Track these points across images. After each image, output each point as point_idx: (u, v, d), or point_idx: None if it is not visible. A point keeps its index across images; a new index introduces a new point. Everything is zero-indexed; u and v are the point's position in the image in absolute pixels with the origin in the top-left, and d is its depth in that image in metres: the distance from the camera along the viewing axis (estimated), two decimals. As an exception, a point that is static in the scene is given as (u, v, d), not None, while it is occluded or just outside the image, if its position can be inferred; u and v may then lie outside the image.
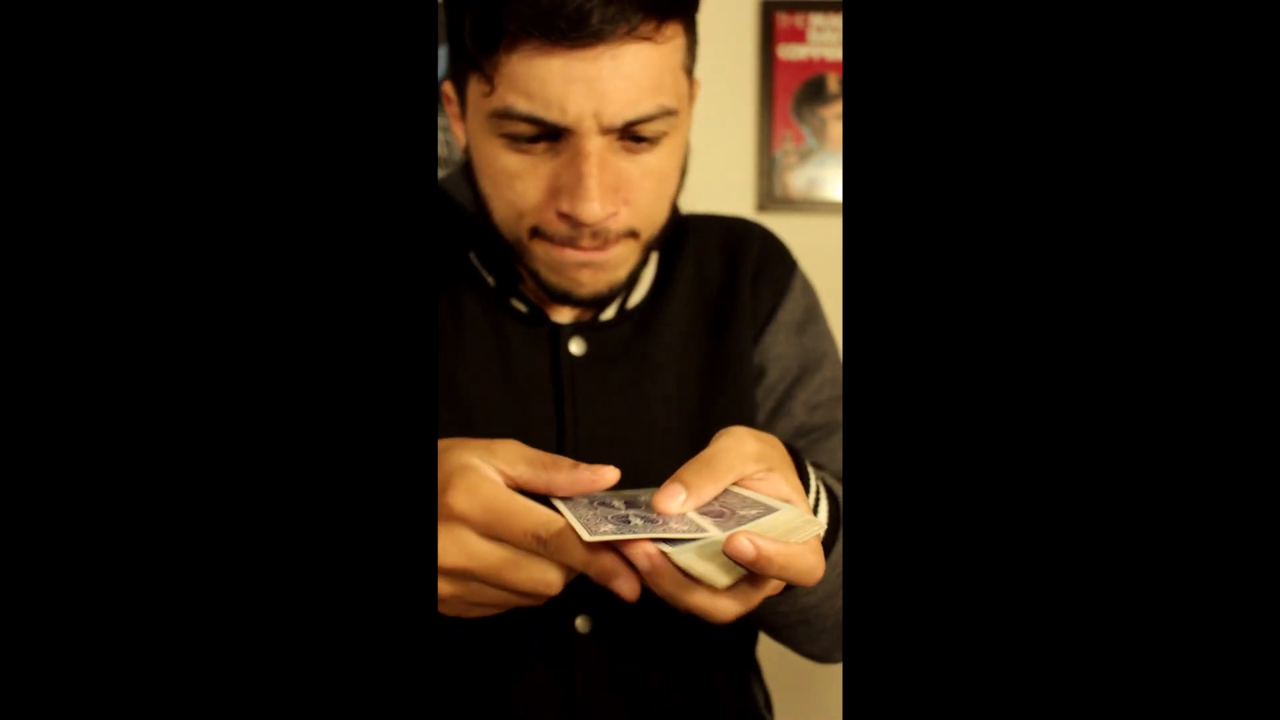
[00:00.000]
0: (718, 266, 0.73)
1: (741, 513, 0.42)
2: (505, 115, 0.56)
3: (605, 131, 0.56)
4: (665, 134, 0.59)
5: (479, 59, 0.56)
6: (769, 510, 0.42)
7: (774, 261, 0.74)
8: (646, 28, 0.55)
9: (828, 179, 1.55)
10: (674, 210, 0.66)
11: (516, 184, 0.58)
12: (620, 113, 0.55)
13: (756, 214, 1.55)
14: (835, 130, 1.58)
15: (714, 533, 0.41)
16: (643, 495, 0.49)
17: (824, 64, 1.55)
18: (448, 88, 0.64)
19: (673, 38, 0.57)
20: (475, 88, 0.58)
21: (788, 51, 1.57)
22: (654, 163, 0.59)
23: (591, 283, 0.61)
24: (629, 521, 0.43)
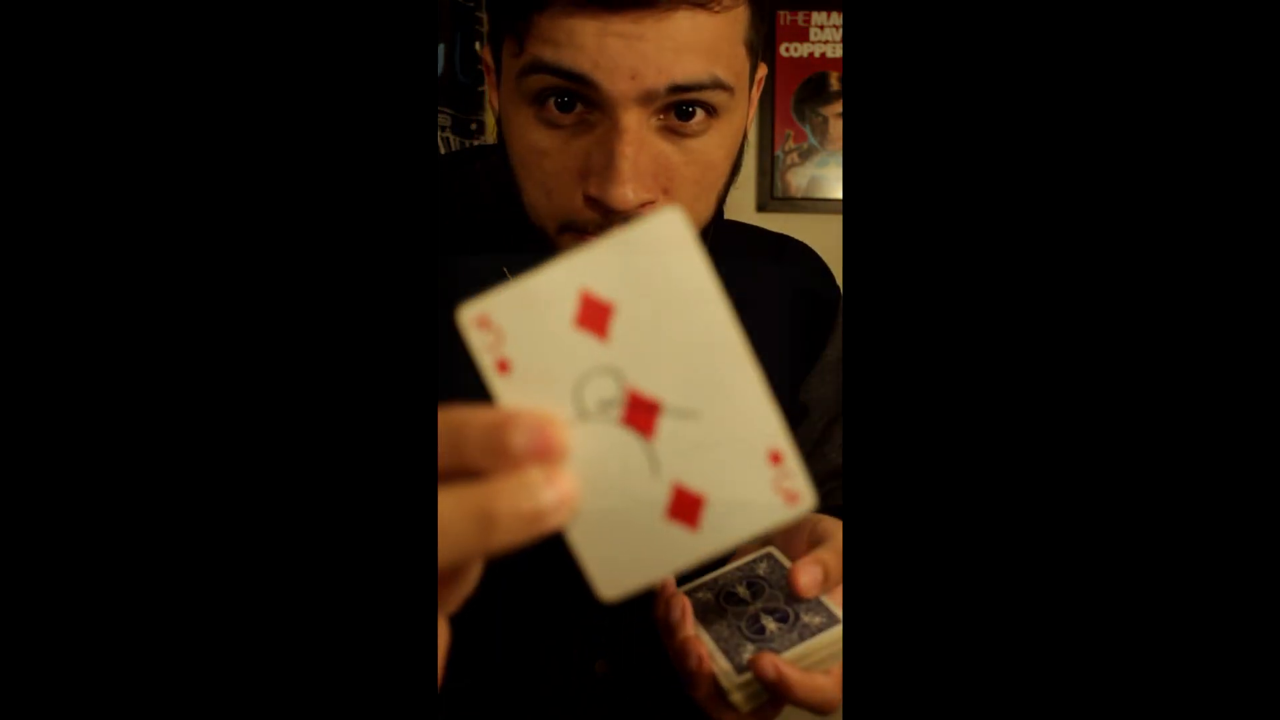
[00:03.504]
0: (766, 290, 0.66)
1: (805, 620, 0.42)
2: (532, 69, 0.49)
3: (645, 100, 0.49)
4: (717, 114, 0.51)
5: (512, 19, 0.51)
6: (832, 620, 0.42)
7: (824, 293, 0.70)
8: None
9: (829, 178, 1.55)
10: (719, 211, 0.59)
11: (545, 162, 0.52)
12: (665, 72, 0.48)
13: (757, 213, 1.55)
14: (837, 129, 1.58)
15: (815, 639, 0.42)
16: (760, 567, 0.47)
17: (825, 62, 1.55)
18: (486, 54, 0.59)
19: (732, 7, 0.50)
20: (508, 50, 0.52)
21: (789, 49, 1.56)
22: (701, 149, 0.52)
23: None
24: (764, 632, 0.43)
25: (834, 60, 1.58)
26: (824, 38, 1.55)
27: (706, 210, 0.55)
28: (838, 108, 1.58)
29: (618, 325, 0.29)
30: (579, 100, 0.50)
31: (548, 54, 0.48)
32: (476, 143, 1.48)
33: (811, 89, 1.58)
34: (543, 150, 0.52)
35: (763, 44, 0.55)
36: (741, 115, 0.55)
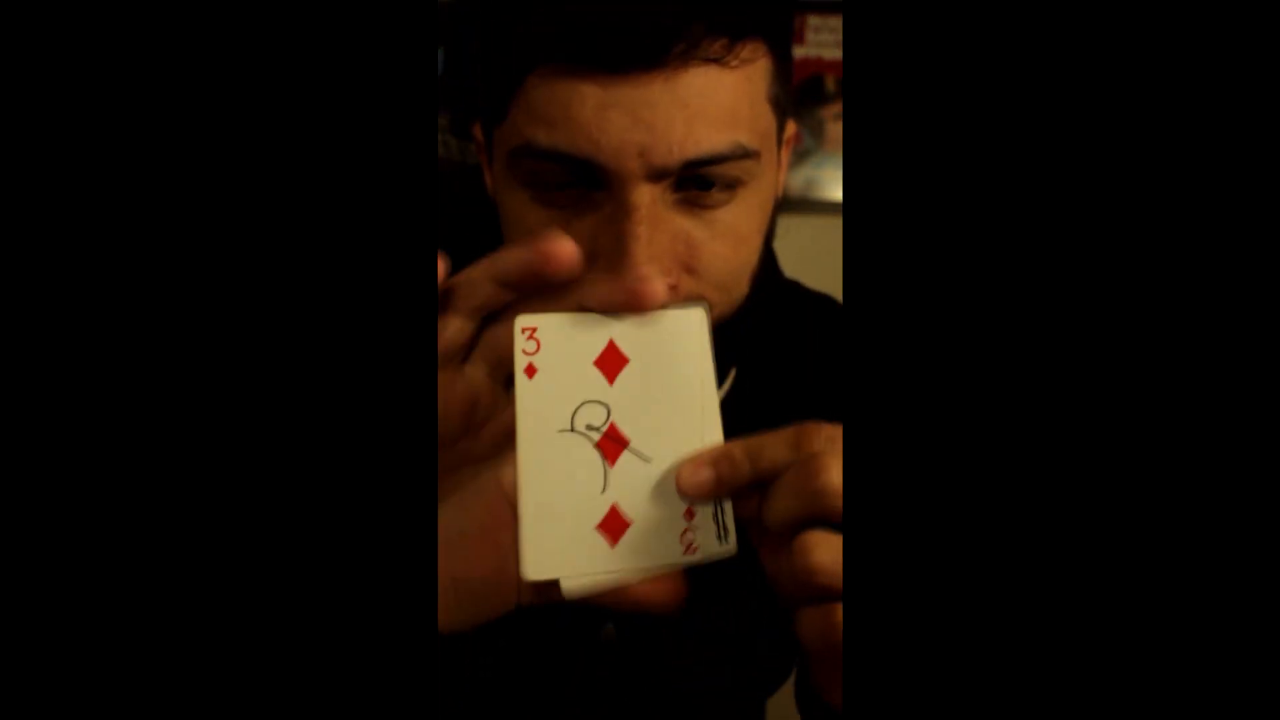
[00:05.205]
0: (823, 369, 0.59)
1: None
2: (524, 153, 0.44)
3: (656, 176, 0.43)
4: (742, 183, 0.45)
5: (498, 91, 0.45)
6: None
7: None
8: (714, 46, 0.41)
9: (825, 179, 1.55)
10: (758, 282, 0.51)
11: None
12: (678, 148, 0.42)
13: (754, 214, 1.55)
14: (833, 130, 1.58)
15: None
16: None
17: (821, 64, 1.55)
18: (476, 130, 0.53)
19: (751, 60, 0.44)
20: (497, 128, 0.47)
21: (785, 52, 1.57)
22: (727, 222, 0.45)
23: None
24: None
25: (830, 62, 1.59)
26: (820, 40, 1.56)
27: (739, 290, 0.49)
28: (834, 109, 1.59)
29: (624, 376, 0.36)
30: (580, 181, 0.44)
31: (541, 136, 0.42)
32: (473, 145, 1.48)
33: (808, 91, 1.58)
34: (539, 231, 0.44)
35: (790, 98, 0.48)
36: (771, 180, 0.48)
